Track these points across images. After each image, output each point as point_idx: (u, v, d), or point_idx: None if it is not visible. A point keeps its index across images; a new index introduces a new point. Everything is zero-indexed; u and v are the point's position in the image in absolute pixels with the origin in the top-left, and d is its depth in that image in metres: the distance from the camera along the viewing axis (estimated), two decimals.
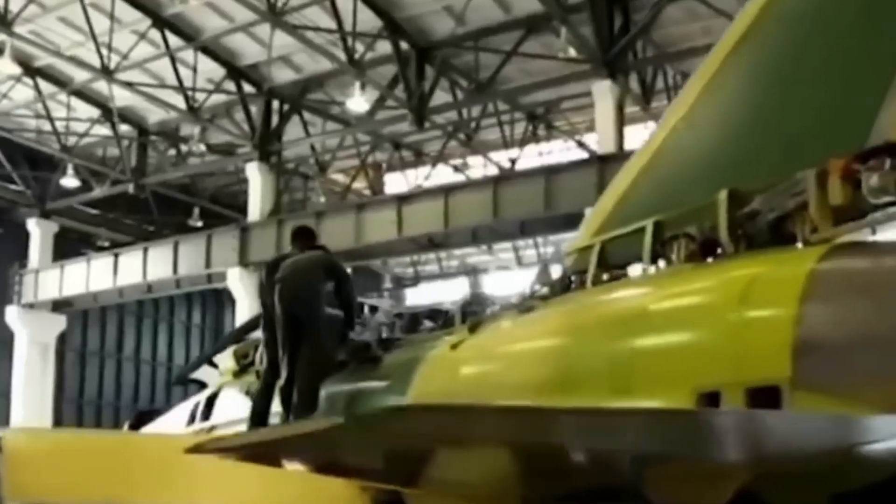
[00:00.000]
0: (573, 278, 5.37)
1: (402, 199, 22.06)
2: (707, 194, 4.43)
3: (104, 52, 22.64)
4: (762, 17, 4.73)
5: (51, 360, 28.04)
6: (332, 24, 21.12)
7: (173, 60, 23.48)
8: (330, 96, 24.79)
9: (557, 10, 19.66)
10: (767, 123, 4.52)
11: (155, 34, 23.19)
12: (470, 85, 23.44)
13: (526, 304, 5.50)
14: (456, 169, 29.21)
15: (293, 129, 25.97)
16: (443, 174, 28.48)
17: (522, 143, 26.24)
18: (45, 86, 25.88)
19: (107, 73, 22.62)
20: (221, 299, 30.80)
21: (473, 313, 6.25)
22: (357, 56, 21.62)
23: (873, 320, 3.40)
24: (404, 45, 22.32)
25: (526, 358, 5.10)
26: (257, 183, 24.75)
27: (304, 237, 8.61)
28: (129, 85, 23.84)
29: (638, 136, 22.58)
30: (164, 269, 25.42)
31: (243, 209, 26.34)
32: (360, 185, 28.97)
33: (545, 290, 5.57)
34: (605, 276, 5.05)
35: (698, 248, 4.45)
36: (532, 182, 20.00)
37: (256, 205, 24.62)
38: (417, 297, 35.58)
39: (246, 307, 22.97)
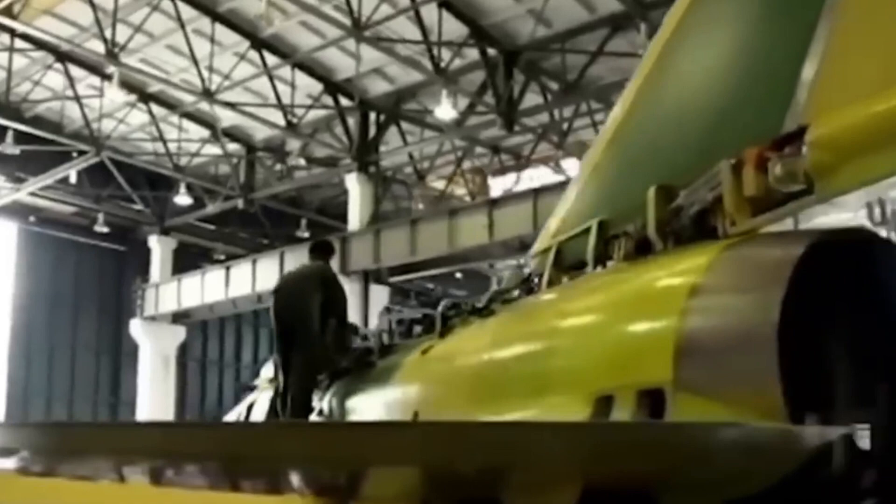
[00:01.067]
0: (535, 281, 5.44)
1: (493, 203, 22.26)
2: (646, 191, 4.44)
3: (206, 74, 23.83)
4: (686, 12, 4.74)
5: (172, 369, 29.49)
6: (418, 35, 21.57)
7: (271, 79, 24.39)
8: (423, 105, 25.23)
9: (637, 9, 19.51)
10: (694, 116, 4.49)
11: (254, 55, 24.23)
12: (560, 86, 23.50)
13: (487, 309, 5.63)
14: (556, 169, 29.16)
15: (393, 139, 26.59)
16: (543, 176, 28.50)
17: None
18: (158, 110, 27.37)
19: (208, 94, 23.68)
20: None
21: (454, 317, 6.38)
22: (443, 64, 21.99)
23: (742, 320, 3.38)
24: (491, 51, 22.56)
25: (465, 364, 5.26)
26: (356, 193, 25.42)
27: (316, 251, 8.97)
28: (230, 105, 24.90)
29: None
30: (271, 279, 26.26)
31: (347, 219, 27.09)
32: (461, 191, 29.29)
33: (511, 293, 5.68)
34: (564, 279, 5.10)
35: (633, 247, 4.46)
36: None
37: (356, 214, 25.30)
38: None
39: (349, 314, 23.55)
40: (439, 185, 30.04)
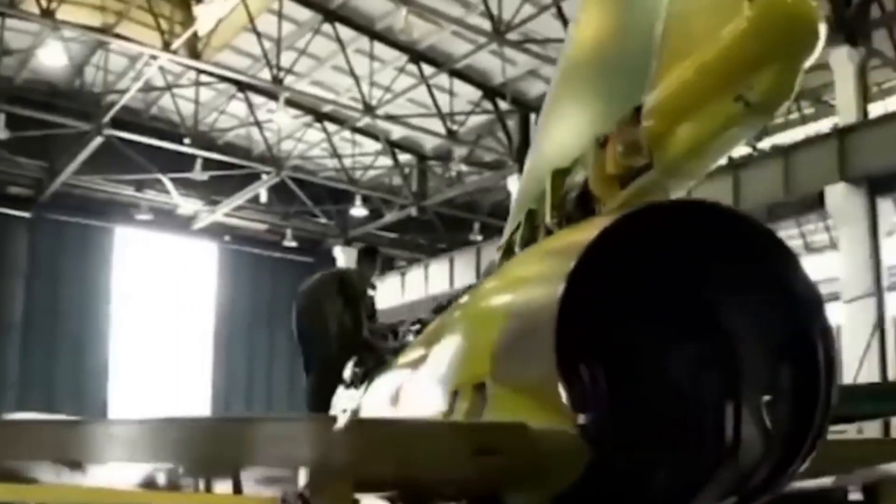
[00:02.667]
0: None
1: None
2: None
3: (368, 90, 24.91)
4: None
5: None
6: (563, 34, 21.59)
7: (430, 89, 25.10)
8: None
9: None
10: (587, 106, 4.55)
11: (413, 67, 25.07)
12: None
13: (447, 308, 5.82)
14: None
15: None
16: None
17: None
18: (332, 127, 28.84)
19: (369, 110, 24.72)
20: None
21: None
22: None
23: (528, 315, 3.45)
24: None
25: (400, 368, 5.52)
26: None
27: (361, 255, 9.15)
28: (391, 118, 25.88)
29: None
30: (442, 283, 27.14)
31: None
32: None
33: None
34: None
35: (544, 236, 4.54)
36: (769, 164, 19.05)
37: None
38: None
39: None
40: None
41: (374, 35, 24.44)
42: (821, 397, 3.21)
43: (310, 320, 8.26)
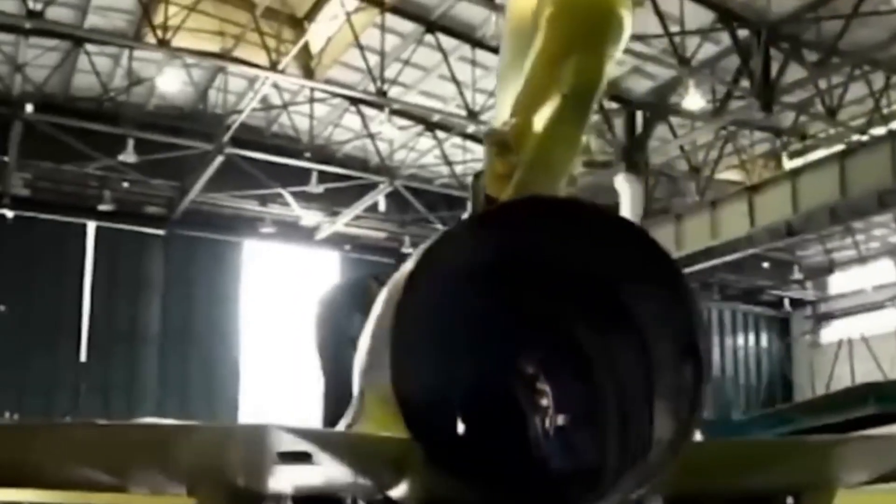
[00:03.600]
0: None
1: (752, 190, 21.44)
2: None
3: (473, 96, 25.31)
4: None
5: None
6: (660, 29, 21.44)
7: None
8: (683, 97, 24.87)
9: None
10: (498, 106, 4.68)
11: None
12: (827, 57, 22.11)
13: None
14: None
15: (661, 135, 26.43)
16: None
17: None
18: (443, 135, 29.41)
19: (472, 116, 25.11)
20: None
21: None
22: (689, 54, 21.64)
23: (378, 320, 3.58)
24: (742, 32, 21.83)
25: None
26: (626, 193, 25.57)
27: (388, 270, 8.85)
28: (484, 123, 26.20)
29: None
30: None
31: None
32: (735, 176, 28.18)
33: None
34: None
35: None
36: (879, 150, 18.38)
37: (626, 215, 25.40)
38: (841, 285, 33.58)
39: None
40: (728, 174, 29.17)
41: (476, 42, 24.78)
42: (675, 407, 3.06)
43: (324, 331, 7.68)
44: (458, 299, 3.11)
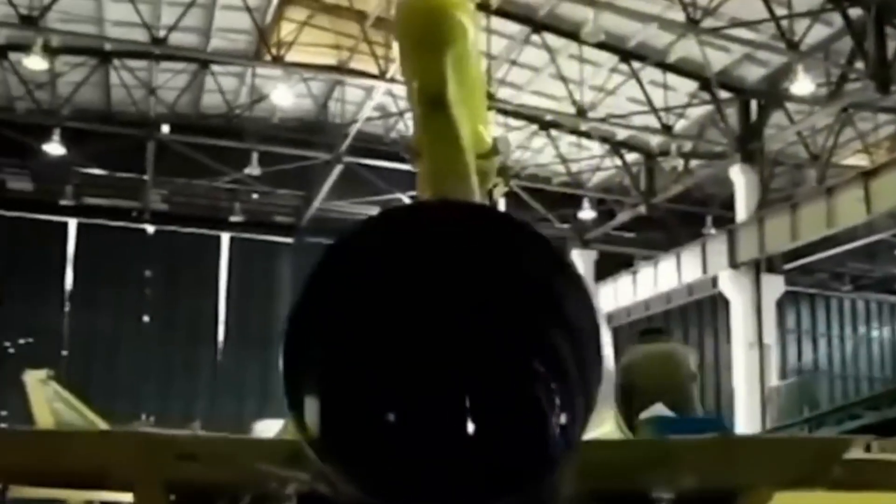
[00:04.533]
0: None
1: (868, 175, 20.63)
2: None
3: (584, 94, 25.35)
4: None
5: None
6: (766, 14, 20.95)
7: (642, 86, 25.07)
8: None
9: None
10: None
11: (624, 66, 25.22)
12: None
13: None
14: None
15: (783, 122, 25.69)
16: None
17: None
18: (558, 134, 29.52)
19: (581, 113, 25.12)
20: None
21: None
22: (799, 38, 21.06)
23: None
24: (855, 12, 21.08)
25: None
26: (741, 184, 25.03)
27: None
28: (613, 118, 26.13)
29: None
30: (671, 280, 26.94)
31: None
32: (860, 162, 27.04)
33: None
34: None
35: None
36: None
37: (742, 205, 24.89)
38: None
39: (739, 310, 23.39)
40: (852, 160, 28.13)
41: (582, 39, 24.78)
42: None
43: None
44: (342, 304, 3.11)
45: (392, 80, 24.72)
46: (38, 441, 4.20)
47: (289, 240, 32.32)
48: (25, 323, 28.71)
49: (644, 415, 5.94)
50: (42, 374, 18.51)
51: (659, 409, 6.01)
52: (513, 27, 25.21)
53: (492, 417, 3.04)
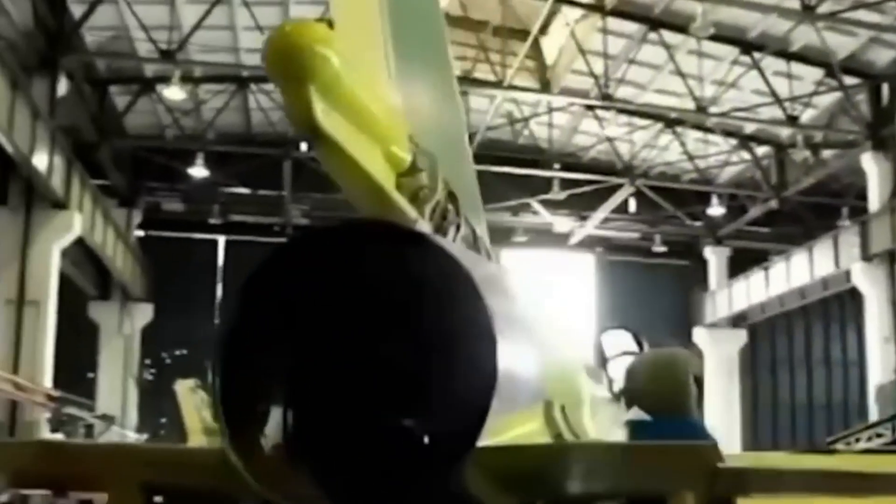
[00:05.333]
0: None
1: None
2: None
3: (705, 89, 25.15)
4: None
5: (735, 375, 30.54)
6: None
7: (764, 77, 24.61)
8: None
9: None
10: None
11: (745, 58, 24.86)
12: None
13: None
14: None
15: None
16: None
17: None
18: (684, 131, 29.30)
19: (701, 110, 24.92)
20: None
21: None
22: None
23: None
24: None
25: None
26: (873, 172, 24.21)
27: None
28: (738, 112, 25.79)
29: None
30: (803, 275, 26.26)
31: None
32: None
33: None
34: None
35: None
36: None
37: (875, 194, 24.04)
38: None
39: (874, 303, 22.64)
40: None
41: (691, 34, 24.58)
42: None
43: None
44: (260, 318, 3.24)
45: (510, 87, 25.26)
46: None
47: None
48: (180, 335, 30.70)
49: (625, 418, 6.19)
50: (191, 383, 19.85)
51: (634, 414, 6.23)
52: (630, 26, 25.29)
53: (378, 424, 3.18)
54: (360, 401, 3.18)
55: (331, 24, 3.00)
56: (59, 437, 20.12)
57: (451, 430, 3.08)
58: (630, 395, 6.19)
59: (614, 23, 25.15)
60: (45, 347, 20.99)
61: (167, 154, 29.71)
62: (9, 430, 19.94)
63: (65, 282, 23.33)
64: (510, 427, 3.36)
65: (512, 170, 29.71)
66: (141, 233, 31.68)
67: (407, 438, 3.13)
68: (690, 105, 26.07)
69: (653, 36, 24.75)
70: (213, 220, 32.59)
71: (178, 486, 3.84)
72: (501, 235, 33.52)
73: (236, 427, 3.14)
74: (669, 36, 24.58)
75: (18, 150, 18.78)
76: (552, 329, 5.23)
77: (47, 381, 21.06)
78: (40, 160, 19.92)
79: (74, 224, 21.72)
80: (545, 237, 33.47)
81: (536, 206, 31.47)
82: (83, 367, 29.66)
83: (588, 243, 33.82)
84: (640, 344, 8.27)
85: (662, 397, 6.05)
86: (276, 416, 3.19)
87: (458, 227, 4.09)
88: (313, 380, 3.22)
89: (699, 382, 6.20)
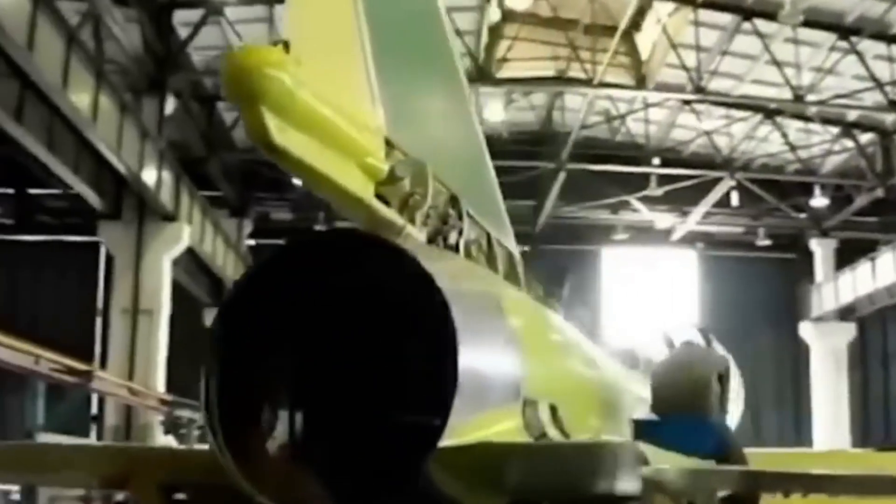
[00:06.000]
0: None
1: None
2: None
3: (803, 77, 24.72)
4: None
5: (844, 369, 29.71)
6: None
7: (863, 61, 24.02)
8: None
9: None
10: None
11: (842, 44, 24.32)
12: None
13: None
14: None
15: None
16: None
17: None
18: (785, 121, 28.77)
19: (799, 98, 24.47)
20: None
21: None
22: None
23: None
24: None
25: None
26: None
27: None
28: (820, 103, 25.29)
29: None
30: None
31: None
32: None
33: None
34: None
35: None
36: None
37: None
38: None
39: None
40: None
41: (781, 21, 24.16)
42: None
43: None
44: (249, 331, 3.52)
45: (602, 84, 25.34)
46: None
47: (525, 247, 33.30)
48: None
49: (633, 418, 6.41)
50: None
51: (643, 413, 6.47)
52: (722, 17, 25.07)
53: (345, 424, 3.47)
54: (329, 402, 3.50)
55: (286, 46, 3.18)
56: (171, 439, 21.16)
57: (414, 429, 3.30)
58: (653, 394, 6.42)
59: (706, 14, 24.94)
60: (157, 354, 21.97)
61: (274, 165, 30.09)
62: (125, 433, 21.06)
63: (180, 290, 24.46)
64: (477, 427, 3.50)
65: (610, 167, 29.77)
66: (252, 242, 32.79)
67: (372, 437, 3.43)
68: (788, 94, 25.66)
69: (746, 26, 24.45)
70: (318, 228, 33.51)
71: (198, 486, 4.17)
72: (601, 233, 33.63)
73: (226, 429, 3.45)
74: (763, 25, 24.22)
75: (129, 168, 19.81)
76: (560, 335, 5.54)
77: (160, 385, 21.96)
78: (149, 176, 20.89)
79: (183, 235, 22.64)
80: (646, 234, 33.31)
81: (636, 203, 31.37)
82: (199, 372, 30.76)
83: (689, 239, 33.50)
84: (708, 342, 8.57)
85: (680, 396, 6.22)
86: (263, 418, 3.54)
87: (461, 231, 4.40)
88: (285, 382, 3.57)
89: (723, 381, 6.33)
